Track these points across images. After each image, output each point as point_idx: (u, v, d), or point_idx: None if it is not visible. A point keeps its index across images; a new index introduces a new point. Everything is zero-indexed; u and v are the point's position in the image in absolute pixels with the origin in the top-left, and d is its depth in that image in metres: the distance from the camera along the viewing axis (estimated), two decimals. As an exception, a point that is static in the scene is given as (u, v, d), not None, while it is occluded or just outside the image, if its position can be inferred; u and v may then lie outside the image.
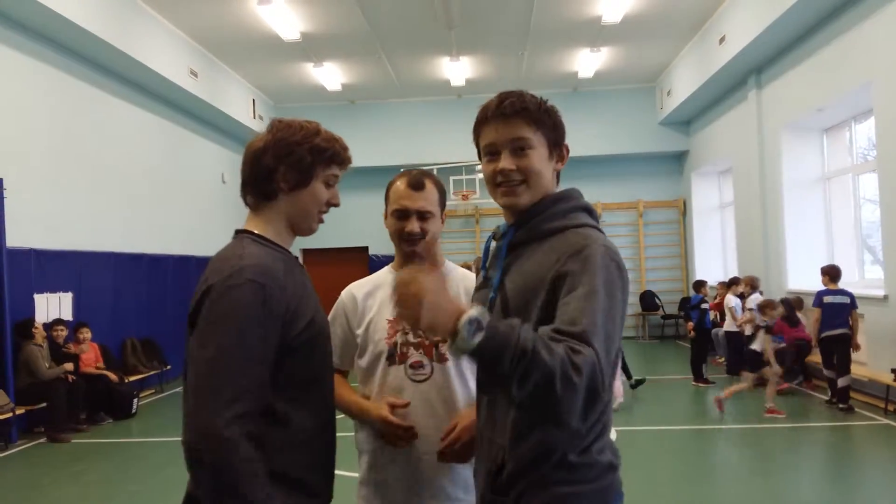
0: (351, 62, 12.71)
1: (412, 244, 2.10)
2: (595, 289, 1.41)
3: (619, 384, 7.51)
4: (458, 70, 13.11)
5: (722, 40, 10.72)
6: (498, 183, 1.63)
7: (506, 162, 1.60)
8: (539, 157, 1.61)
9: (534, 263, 1.55)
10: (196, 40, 11.28)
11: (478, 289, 1.77)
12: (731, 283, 10.22)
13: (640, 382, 9.01)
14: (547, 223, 1.60)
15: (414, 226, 2.08)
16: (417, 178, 2.12)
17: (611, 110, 14.88)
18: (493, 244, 1.76)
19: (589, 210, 1.67)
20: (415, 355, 2.10)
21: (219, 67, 12.36)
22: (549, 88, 14.61)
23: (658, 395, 8.97)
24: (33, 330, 7.70)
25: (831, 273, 8.16)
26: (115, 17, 8.95)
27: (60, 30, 8.31)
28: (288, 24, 10.50)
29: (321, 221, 1.78)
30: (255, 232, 1.69)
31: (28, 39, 8.26)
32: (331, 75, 13.17)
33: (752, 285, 9.88)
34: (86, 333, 8.60)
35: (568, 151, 1.69)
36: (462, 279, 2.23)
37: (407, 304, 1.33)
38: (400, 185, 2.12)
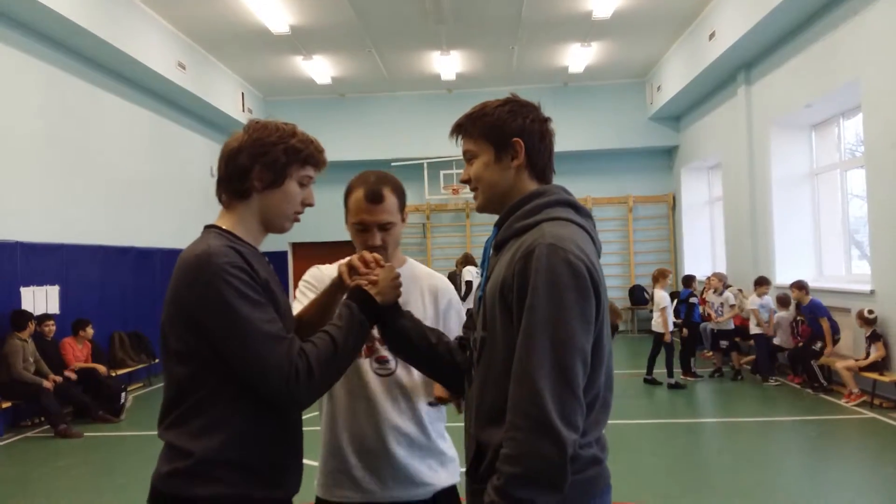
0: (341, 56, 12.66)
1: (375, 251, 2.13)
2: (534, 303, 1.43)
3: None
4: (448, 64, 13.08)
5: (712, 36, 10.75)
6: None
7: (462, 173, 1.76)
8: (481, 164, 1.69)
9: (502, 264, 1.59)
10: (185, 33, 11.19)
11: (479, 286, 1.80)
12: (758, 283, 9.59)
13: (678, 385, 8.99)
14: (519, 221, 1.62)
15: (375, 238, 2.09)
16: (376, 191, 2.08)
17: (601, 105, 14.90)
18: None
19: (569, 203, 1.65)
20: (381, 350, 2.12)
21: (207, 60, 12.27)
22: (540, 83, 14.62)
23: (647, 388, 9.02)
24: (28, 324, 7.64)
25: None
26: (102, 10, 8.86)
27: (48, 22, 8.22)
28: (277, 16, 10.43)
29: (296, 220, 1.83)
30: (223, 227, 1.74)
31: (15, 32, 8.17)
32: (320, 69, 13.12)
33: (723, 283, 10.05)
34: (89, 331, 8.58)
35: (521, 145, 1.65)
36: (427, 277, 2.27)
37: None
38: (359, 196, 2.09)
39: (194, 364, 1.63)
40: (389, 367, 2.13)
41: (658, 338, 9.19)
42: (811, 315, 8.57)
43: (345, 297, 1.79)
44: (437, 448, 2.18)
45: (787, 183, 10.46)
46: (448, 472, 2.20)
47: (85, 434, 7.49)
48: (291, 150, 1.73)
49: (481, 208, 1.74)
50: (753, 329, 9.42)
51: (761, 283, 9.57)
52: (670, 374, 9.02)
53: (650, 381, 9.18)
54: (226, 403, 1.62)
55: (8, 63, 8.10)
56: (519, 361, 1.43)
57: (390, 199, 2.11)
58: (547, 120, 1.72)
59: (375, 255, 1.82)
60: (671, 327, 9.11)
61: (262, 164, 1.71)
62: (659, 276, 9.37)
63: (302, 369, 1.59)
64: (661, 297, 9.17)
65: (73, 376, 8.06)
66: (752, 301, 9.51)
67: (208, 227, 1.76)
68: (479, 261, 12.14)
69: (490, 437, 1.55)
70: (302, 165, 1.76)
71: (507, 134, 1.65)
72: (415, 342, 1.84)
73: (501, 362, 1.51)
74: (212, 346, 1.60)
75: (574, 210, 1.64)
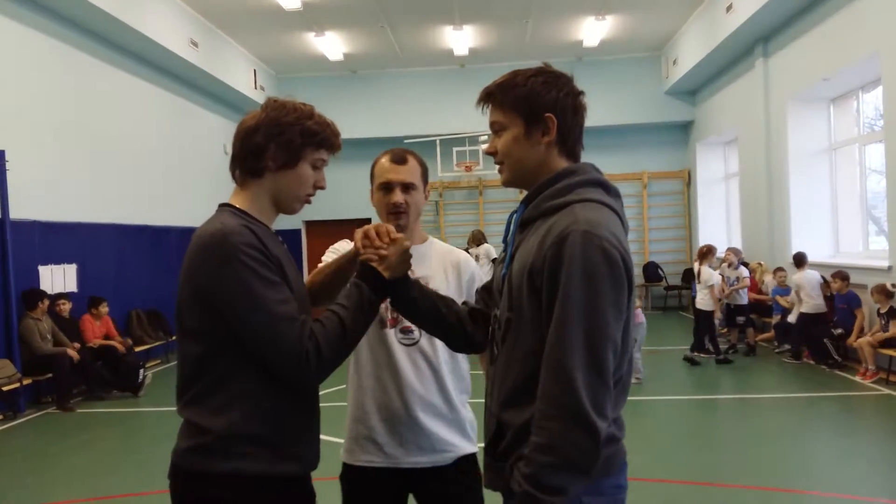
0: (353, 31, 12.57)
1: (398, 216, 2.20)
2: (568, 292, 1.41)
3: (637, 357, 7.51)
4: (461, 39, 12.96)
5: (729, 8, 10.57)
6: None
7: (489, 145, 1.67)
8: (510, 137, 1.62)
9: (530, 244, 1.55)
10: (197, 10, 11.14)
11: (500, 261, 1.77)
12: (798, 263, 9.06)
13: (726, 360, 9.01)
14: (549, 200, 1.57)
15: (398, 197, 2.19)
16: (400, 154, 2.24)
17: (616, 80, 14.72)
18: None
19: (601, 183, 1.61)
20: (405, 320, 2.16)
21: (220, 37, 12.24)
22: (554, 57, 14.39)
23: (661, 366, 9.02)
24: (39, 303, 7.75)
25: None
26: (114, -14, 8.83)
27: (62, 1, 8.21)
28: (289, -8, 10.36)
29: (307, 202, 1.84)
30: (237, 206, 1.74)
31: (28, 10, 8.17)
32: (332, 45, 13.04)
33: (739, 258, 9.95)
34: (104, 308, 8.69)
35: (554, 122, 1.59)
36: (448, 253, 2.35)
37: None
38: (384, 161, 2.24)
39: (210, 342, 1.64)
40: (413, 336, 2.20)
41: (707, 315, 9.10)
42: (847, 305, 8.35)
43: (354, 273, 1.79)
44: (460, 416, 2.25)
45: (805, 158, 10.33)
46: (469, 440, 2.27)
47: (104, 410, 7.60)
48: (307, 132, 1.72)
49: (507, 183, 1.69)
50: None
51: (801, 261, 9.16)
52: (717, 352, 9.06)
53: (691, 360, 9.09)
54: (243, 380, 1.64)
55: (23, 42, 8.11)
56: (552, 350, 1.42)
57: (413, 163, 2.25)
58: (581, 93, 1.65)
59: (390, 227, 1.80)
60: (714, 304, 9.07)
61: (277, 143, 1.71)
62: (707, 253, 9.27)
63: (311, 351, 1.61)
64: (709, 274, 9.09)
65: (75, 349, 8.08)
66: (769, 283, 9.45)
67: (222, 206, 1.76)
68: (498, 237, 12.11)
69: (511, 417, 1.56)
70: (317, 148, 1.75)
71: (540, 108, 1.58)
72: (424, 312, 1.84)
73: (528, 345, 1.51)
74: (227, 323, 1.61)
75: (604, 190, 1.60)
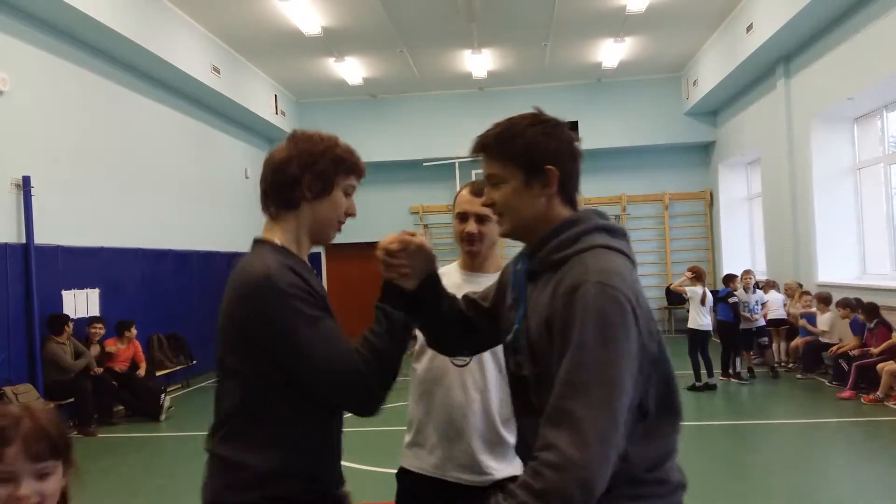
0: (372, 56, 12.68)
1: (471, 244, 2.35)
2: (582, 342, 1.37)
3: None
4: (479, 62, 13.02)
5: (749, 28, 10.53)
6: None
7: (486, 197, 1.64)
8: (510, 190, 1.57)
9: (543, 298, 1.51)
10: (218, 37, 11.32)
11: (508, 308, 1.72)
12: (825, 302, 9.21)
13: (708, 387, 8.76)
14: (556, 252, 1.53)
15: (472, 227, 2.33)
16: (479, 186, 2.27)
17: (635, 101, 14.69)
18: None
19: (607, 229, 1.56)
20: None
21: (241, 64, 12.40)
22: (573, 80, 14.48)
23: (686, 390, 8.87)
24: (65, 327, 7.81)
25: None
26: (139, 15, 9.00)
27: (85, 28, 8.38)
28: (309, 18, 10.49)
29: (339, 231, 1.87)
30: (276, 241, 1.76)
31: (53, 38, 8.34)
32: (352, 70, 13.16)
33: (754, 280, 9.82)
34: (132, 332, 8.76)
35: (555, 174, 1.55)
36: None
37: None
38: (464, 192, 2.39)
39: (251, 381, 1.67)
40: (465, 359, 2.30)
41: (702, 335, 8.88)
42: (883, 328, 8.20)
43: (378, 296, 1.77)
44: (503, 440, 2.31)
45: (829, 178, 10.19)
46: (510, 464, 2.29)
47: (125, 435, 7.61)
48: (338, 160, 1.77)
49: (507, 234, 1.64)
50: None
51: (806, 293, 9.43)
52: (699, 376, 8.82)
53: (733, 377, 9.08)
54: (282, 418, 1.67)
55: (48, 69, 8.27)
56: (560, 398, 1.37)
57: None
58: (577, 139, 1.62)
59: (405, 234, 1.74)
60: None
61: (311, 173, 1.74)
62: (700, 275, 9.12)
63: (372, 381, 1.66)
64: (692, 291, 8.93)
65: (94, 353, 8.15)
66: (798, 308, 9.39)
67: (260, 242, 1.77)
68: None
69: None
70: (347, 174, 1.80)
71: (540, 160, 1.54)
72: (446, 313, 1.82)
73: None
74: (275, 365, 1.63)
75: (609, 234, 1.56)
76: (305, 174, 1.74)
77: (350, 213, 1.85)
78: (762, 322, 9.62)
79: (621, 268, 1.47)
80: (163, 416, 8.30)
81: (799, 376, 9.17)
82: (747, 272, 9.96)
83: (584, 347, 1.37)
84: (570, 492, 1.32)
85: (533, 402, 1.56)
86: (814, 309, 9.38)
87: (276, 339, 1.62)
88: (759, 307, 9.56)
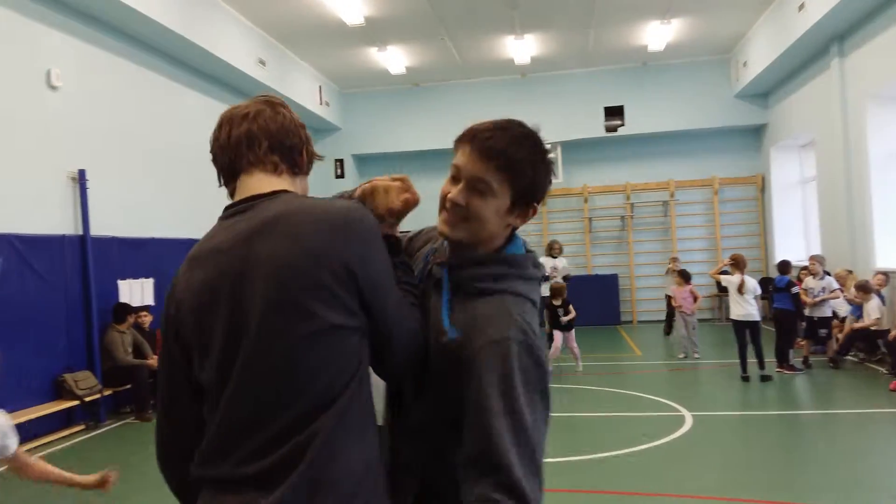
0: (414, 45, 12.69)
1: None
2: (504, 392, 1.37)
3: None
4: (522, 48, 12.91)
5: (801, 7, 10.20)
6: (444, 207, 1.53)
7: (459, 194, 1.50)
8: (492, 209, 1.49)
9: (461, 320, 1.48)
10: (263, 29, 11.47)
11: (422, 278, 1.66)
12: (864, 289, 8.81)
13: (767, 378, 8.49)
14: (483, 282, 1.50)
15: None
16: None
17: (683, 84, 14.39)
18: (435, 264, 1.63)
19: (532, 278, 1.55)
20: None
21: (286, 55, 12.54)
22: (617, 63, 14.25)
23: (731, 380, 8.69)
24: (128, 317, 8.08)
25: None
26: (186, 9, 9.17)
27: (133, 22, 8.58)
28: (352, 8, 10.54)
29: None
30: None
31: (102, 33, 8.56)
32: (394, 59, 13.19)
33: (823, 267, 9.45)
34: None
35: (535, 212, 1.56)
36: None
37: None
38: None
39: (356, 336, 1.42)
40: None
41: (753, 326, 8.50)
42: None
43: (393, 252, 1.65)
44: None
45: (886, 159, 9.84)
46: None
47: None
48: (309, 141, 1.64)
49: (461, 241, 1.52)
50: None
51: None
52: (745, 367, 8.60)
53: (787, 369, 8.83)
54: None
55: (97, 64, 8.49)
56: (487, 440, 1.35)
57: None
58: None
59: (397, 183, 1.65)
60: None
61: (306, 149, 1.62)
62: (740, 262, 8.75)
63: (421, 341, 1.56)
64: (727, 281, 8.71)
65: (153, 362, 8.39)
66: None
67: (286, 192, 1.54)
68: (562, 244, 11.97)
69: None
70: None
71: (533, 196, 1.53)
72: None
73: (442, 413, 1.49)
74: (367, 310, 1.43)
75: (527, 284, 1.54)
76: (305, 147, 1.61)
77: None
78: (829, 313, 9.25)
79: (535, 321, 1.48)
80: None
81: (862, 356, 8.72)
82: (814, 258, 9.64)
83: (506, 396, 1.37)
84: None
85: (406, 403, 1.59)
86: (857, 299, 9.01)
87: (374, 274, 1.43)
88: (823, 293, 9.20)
